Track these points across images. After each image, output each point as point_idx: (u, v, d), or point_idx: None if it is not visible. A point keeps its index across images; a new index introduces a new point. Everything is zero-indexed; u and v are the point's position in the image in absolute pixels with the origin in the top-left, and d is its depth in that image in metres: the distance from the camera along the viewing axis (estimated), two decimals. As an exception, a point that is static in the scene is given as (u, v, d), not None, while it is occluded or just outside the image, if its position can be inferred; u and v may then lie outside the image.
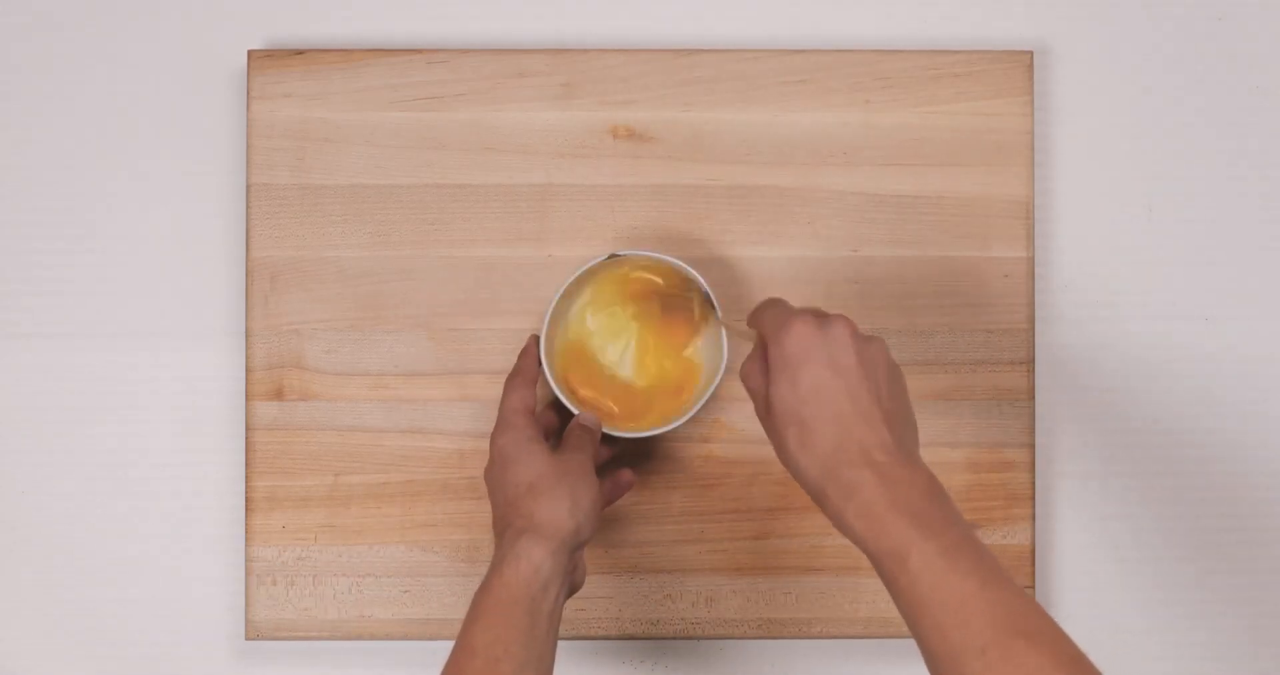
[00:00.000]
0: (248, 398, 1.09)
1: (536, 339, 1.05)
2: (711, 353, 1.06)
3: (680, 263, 1.04)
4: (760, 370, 0.92)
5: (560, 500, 0.96)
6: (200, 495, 1.11)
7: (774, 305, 0.94)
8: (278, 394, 1.09)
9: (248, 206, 1.09)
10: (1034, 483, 1.10)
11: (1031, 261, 1.10)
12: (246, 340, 1.09)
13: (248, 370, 1.09)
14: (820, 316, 0.91)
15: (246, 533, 1.09)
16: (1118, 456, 1.12)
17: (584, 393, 1.06)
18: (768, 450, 1.09)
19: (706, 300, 1.04)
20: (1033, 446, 1.10)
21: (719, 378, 1.04)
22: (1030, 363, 1.10)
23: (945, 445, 1.09)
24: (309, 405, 1.09)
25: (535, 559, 0.94)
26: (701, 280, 1.04)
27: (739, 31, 1.13)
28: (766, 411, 0.92)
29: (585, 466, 0.99)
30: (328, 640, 1.09)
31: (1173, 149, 1.13)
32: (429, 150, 1.10)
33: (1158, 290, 1.13)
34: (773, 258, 1.10)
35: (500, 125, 1.10)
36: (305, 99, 1.09)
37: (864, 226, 1.10)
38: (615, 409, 1.06)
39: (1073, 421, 1.12)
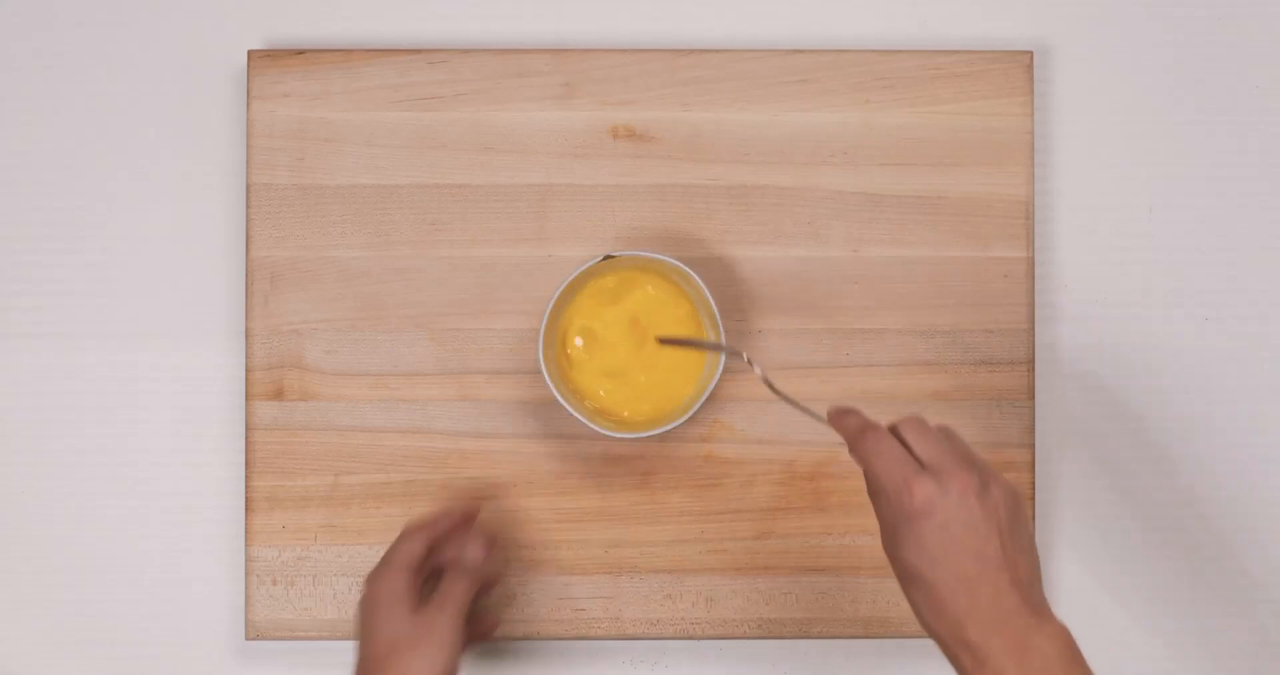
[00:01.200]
0: (248, 398, 1.09)
1: (469, 512, 1.04)
2: (710, 353, 1.06)
3: (676, 262, 1.04)
4: (886, 509, 0.89)
5: (417, 666, 0.96)
6: (200, 495, 1.11)
7: (876, 442, 0.89)
8: (278, 394, 1.09)
9: (248, 206, 1.09)
10: (1034, 483, 1.10)
11: (1031, 261, 1.10)
12: (246, 340, 1.09)
13: (248, 370, 1.09)
14: (940, 474, 0.87)
15: (246, 533, 1.09)
16: (1118, 456, 1.12)
17: (582, 391, 1.06)
18: (768, 450, 1.09)
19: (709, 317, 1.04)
20: (1033, 446, 1.10)
21: (717, 377, 1.04)
22: (1030, 363, 1.10)
23: (945, 445, 1.09)
24: (309, 405, 1.09)
25: None
26: (697, 278, 1.04)
27: (739, 31, 1.13)
28: (892, 560, 0.89)
29: (447, 629, 0.98)
30: (328, 640, 1.09)
31: (1173, 149, 1.13)
32: (429, 150, 1.10)
33: (1158, 290, 1.13)
34: (773, 258, 1.10)
35: (500, 125, 1.10)
36: (305, 99, 1.09)
37: (864, 226, 1.10)
38: (615, 411, 1.06)
39: (1073, 421, 1.12)
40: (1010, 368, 1.10)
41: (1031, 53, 1.11)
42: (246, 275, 1.09)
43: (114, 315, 1.12)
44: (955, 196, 1.10)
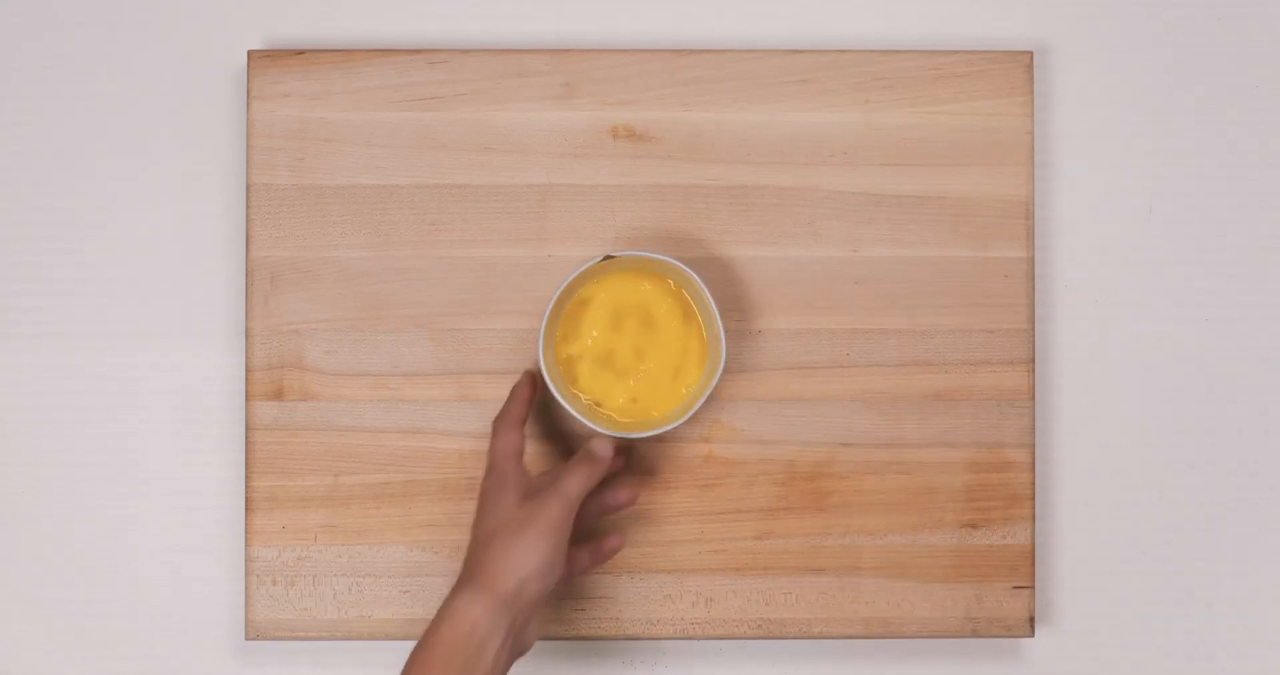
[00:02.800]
0: (248, 398, 1.09)
1: (531, 377, 1.05)
2: (710, 352, 1.06)
3: (676, 262, 1.04)
4: None
5: (510, 555, 0.95)
6: (200, 495, 1.11)
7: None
8: (278, 394, 1.09)
9: (248, 206, 1.09)
10: (1034, 483, 1.10)
11: (1031, 261, 1.10)
12: (246, 340, 1.09)
13: (248, 370, 1.09)
14: None
15: (246, 533, 1.09)
16: (1118, 456, 1.12)
17: (585, 392, 1.06)
18: (768, 450, 1.09)
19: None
20: (1033, 446, 1.10)
21: (717, 377, 1.04)
22: (1030, 363, 1.10)
23: (945, 445, 1.09)
24: (309, 405, 1.09)
25: (473, 616, 0.93)
26: (697, 278, 1.04)
27: (739, 31, 1.13)
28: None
29: (552, 523, 0.97)
30: (328, 640, 1.09)
31: (1173, 149, 1.13)
32: (429, 150, 1.10)
33: (1158, 290, 1.13)
34: (773, 258, 1.10)
35: (500, 125, 1.10)
36: (305, 99, 1.10)
37: (864, 226, 1.10)
38: (616, 411, 1.06)
39: (1073, 421, 1.12)
40: (1010, 368, 1.10)
41: (1031, 53, 1.11)
42: (246, 275, 1.09)
43: (114, 315, 1.12)
44: (955, 196, 1.10)
